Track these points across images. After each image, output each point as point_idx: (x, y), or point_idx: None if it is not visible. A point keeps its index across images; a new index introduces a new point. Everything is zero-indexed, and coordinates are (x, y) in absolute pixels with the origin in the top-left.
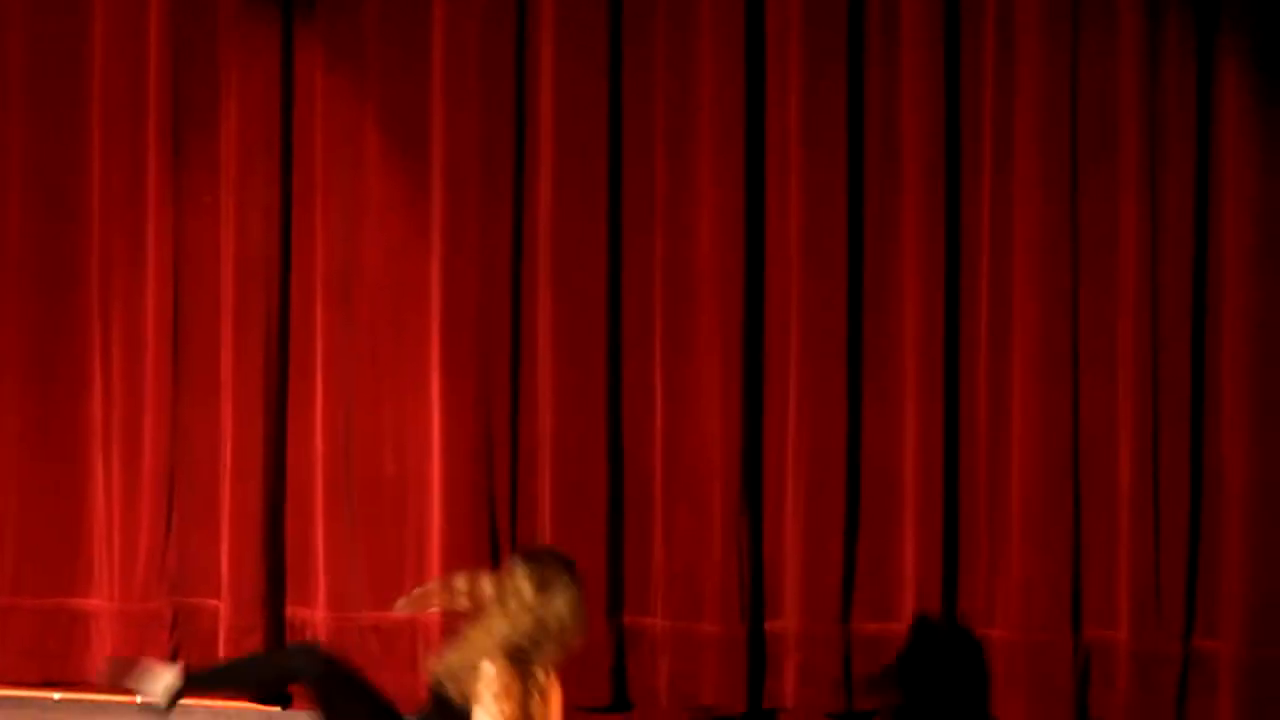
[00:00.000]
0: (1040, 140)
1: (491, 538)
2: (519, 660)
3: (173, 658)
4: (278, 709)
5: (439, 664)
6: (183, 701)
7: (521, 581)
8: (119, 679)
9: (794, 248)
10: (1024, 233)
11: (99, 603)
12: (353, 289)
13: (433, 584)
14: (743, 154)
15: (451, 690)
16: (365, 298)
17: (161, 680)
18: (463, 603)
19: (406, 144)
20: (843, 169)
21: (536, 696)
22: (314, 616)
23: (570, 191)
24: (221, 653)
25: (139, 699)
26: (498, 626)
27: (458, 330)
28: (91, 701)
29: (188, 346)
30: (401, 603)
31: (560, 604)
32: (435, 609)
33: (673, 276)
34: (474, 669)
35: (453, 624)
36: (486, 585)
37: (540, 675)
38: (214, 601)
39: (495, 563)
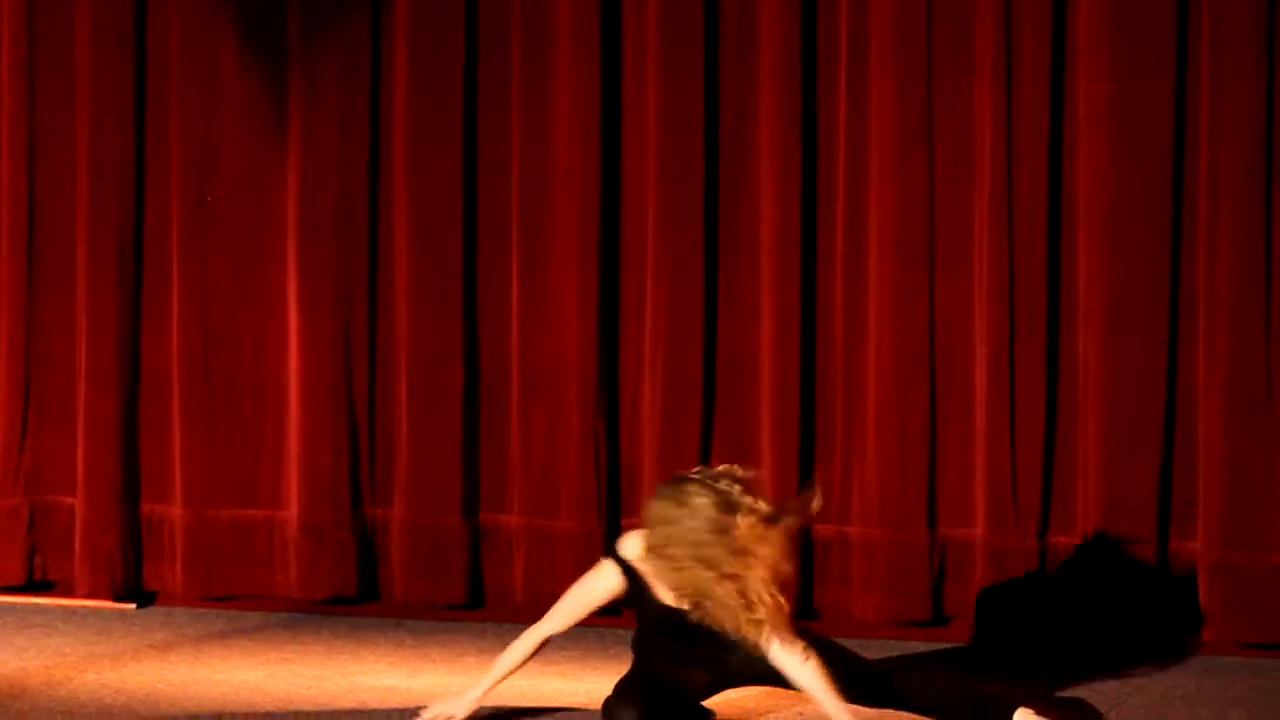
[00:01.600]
0: (896, 30)
1: (351, 437)
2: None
3: (29, 556)
4: (132, 606)
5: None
6: (37, 599)
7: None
8: None
9: (650, 141)
10: (880, 126)
11: None
12: (208, 187)
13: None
14: (599, 51)
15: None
16: (222, 198)
17: None
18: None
19: (263, 44)
20: (699, 64)
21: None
22: (171, 513)
23: (426, 95)
24: (78, 550)
25: None
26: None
27: (315, 231)
28: None
29: (43, 245)
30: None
31: (702, 509)
32: None
33: (529, 175)
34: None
35: (310, 519)
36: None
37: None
38: (70, 499)
39: (352, 459)
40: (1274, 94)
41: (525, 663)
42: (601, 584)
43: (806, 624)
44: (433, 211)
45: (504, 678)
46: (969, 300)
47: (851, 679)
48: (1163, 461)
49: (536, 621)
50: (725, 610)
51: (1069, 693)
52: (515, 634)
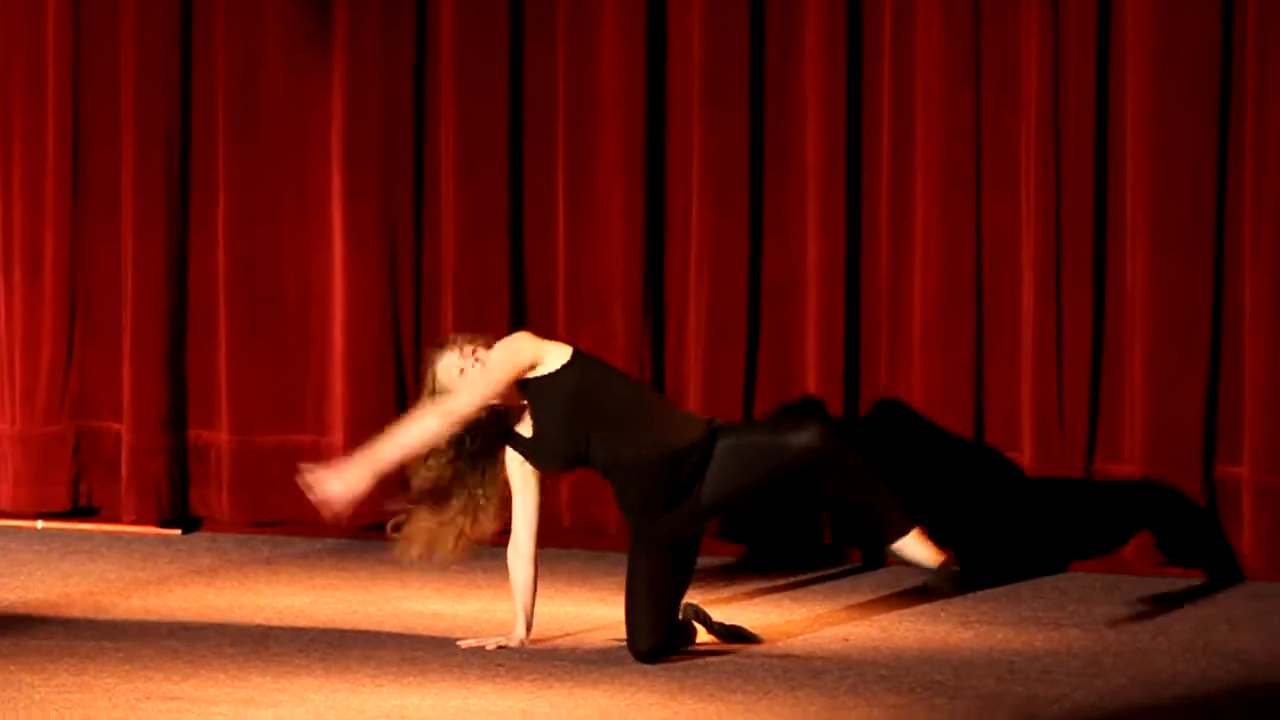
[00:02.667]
0: None
1: (396, 361)
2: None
3: (75, 482)
4: (178, 532)
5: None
6: (82, 525)
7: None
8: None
9: (695, 67)
10: (926, 50)
11: (2, 426)
12: (254, 109)
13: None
14: None
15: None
16: (267, 118)
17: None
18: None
19: None
20: None
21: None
22: (217, 439)
23: (471, 13)
24: (125, 476)
25: None
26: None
27: (360, 153)
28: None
29: (88, 167)
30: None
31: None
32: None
33: (575, 99)
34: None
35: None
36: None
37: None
38: (116, 425)
39: (398, 385)
40: None
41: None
42: (514, 468)
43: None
44: (478, 134)
45: (534, 594)
46: (1015, 225)
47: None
48: (1209, 386)
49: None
50: None
51: (1114, 615)
52: (559, 560)
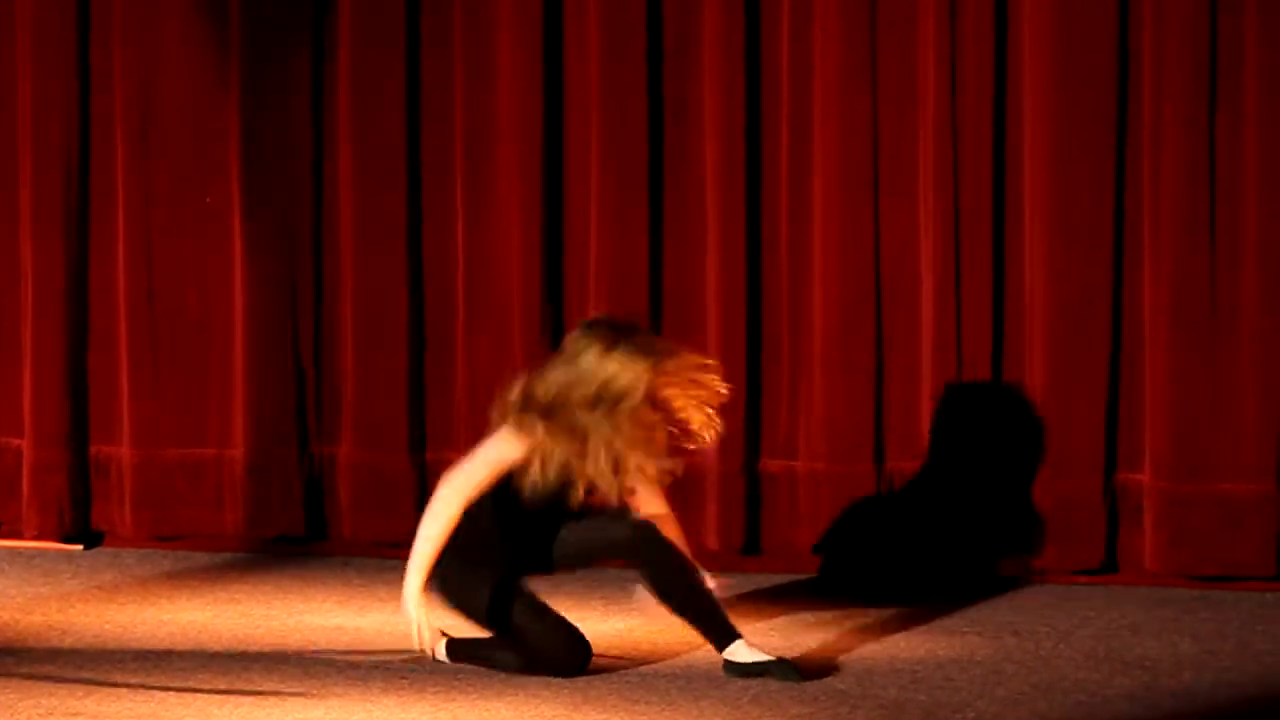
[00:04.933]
0: None
1: (296, 373)
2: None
3: None
4: (80, 548)
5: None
6: None
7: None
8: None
9: (593, 72)
10: (824, 56)
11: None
12: (151, 126)
13: None
14: None
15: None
16: (165, 135)
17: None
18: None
19: None
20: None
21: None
22: (119, 454)
23: (368, 25)
24: (26, 492)
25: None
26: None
27: (258, 167)
28: None
29: None
30: None
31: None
32: None
33: (472, 105)
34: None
35: (257, 460)
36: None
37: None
38: (17, 440)
39: (299, 398)
40: (1216, 15)
41: None
42: (508, 451)
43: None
44: (377, 149)
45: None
46: (914, 232)
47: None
48: (1109, 392)
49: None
50: (598, 468)
51: (1016, 622)
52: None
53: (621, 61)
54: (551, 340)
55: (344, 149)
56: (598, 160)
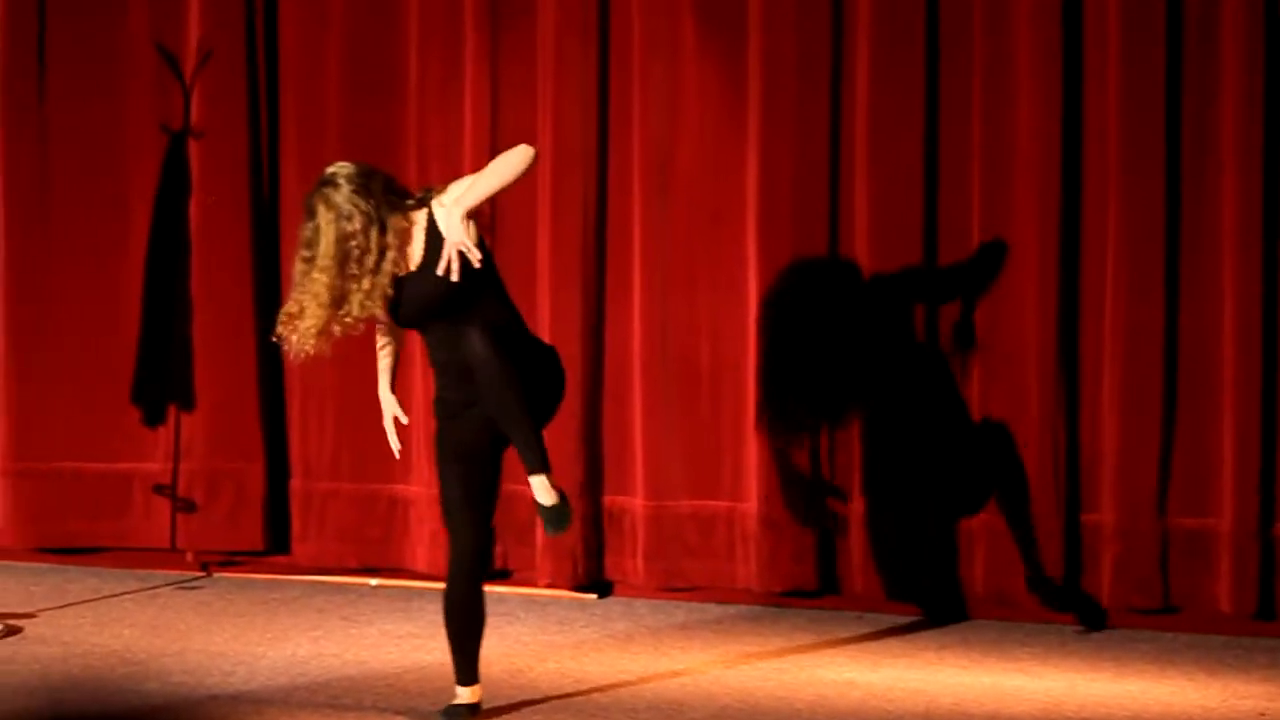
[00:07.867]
0: None
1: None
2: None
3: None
4: (593, 596)
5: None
6: (497, 588)
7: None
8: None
9: (1111, 135)
10: None
11: (418, 489)
12: (669, 175)
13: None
14: (1060, 37)
15: None
16: (682, 184)
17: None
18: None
19: (723, 28)
20: (1161, 55)
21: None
22: (632, 505)
23: (886, 78)
24: (539, 540)
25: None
26: None
27: (774, 218)
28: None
29: (504, 235)
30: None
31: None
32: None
33: (990, 157)
34: None
35: (770, 511)
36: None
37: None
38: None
39: (813, 456)
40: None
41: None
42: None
43: None
44: (892, 191)
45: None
46: None
47: None
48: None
49: None
50: None
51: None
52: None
53: (1139, 123)
54: (1067, 393)
55: (860, 196)
56: (1116, 221)
